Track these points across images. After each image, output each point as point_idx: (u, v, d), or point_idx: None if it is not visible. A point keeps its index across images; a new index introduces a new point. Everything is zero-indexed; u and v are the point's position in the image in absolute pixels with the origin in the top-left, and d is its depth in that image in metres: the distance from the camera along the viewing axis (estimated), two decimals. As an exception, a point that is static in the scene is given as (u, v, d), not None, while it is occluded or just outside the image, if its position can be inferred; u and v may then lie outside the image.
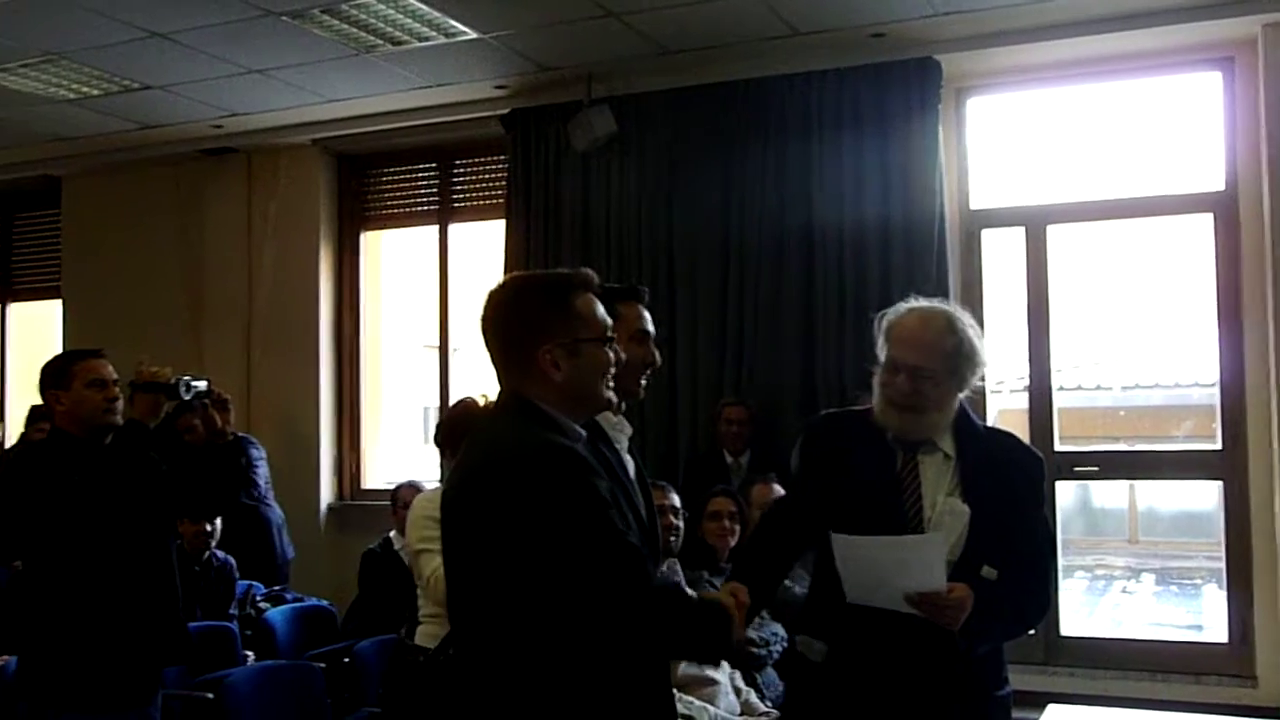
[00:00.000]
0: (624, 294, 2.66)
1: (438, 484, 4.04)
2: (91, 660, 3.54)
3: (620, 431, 2.51)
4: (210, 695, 4.27)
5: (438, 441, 4.12)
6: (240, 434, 6.83)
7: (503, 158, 6.96)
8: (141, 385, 3.68)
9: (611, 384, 2.24)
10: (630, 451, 2.53)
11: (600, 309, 2.25)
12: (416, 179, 7.65)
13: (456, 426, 3.98)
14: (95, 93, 6.63)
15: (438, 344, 7.49)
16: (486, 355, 2.27)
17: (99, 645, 3.55)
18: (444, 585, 3.72)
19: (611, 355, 2.24)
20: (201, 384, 3.81)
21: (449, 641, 3.17)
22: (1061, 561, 6.08)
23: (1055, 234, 6.11)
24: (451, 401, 5.25)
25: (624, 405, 2.54)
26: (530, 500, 2.02)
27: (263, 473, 6.86)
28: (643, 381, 2.60)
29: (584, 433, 2.23)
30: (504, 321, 2.23)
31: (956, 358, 2.68)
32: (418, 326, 8.15)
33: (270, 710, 4.29)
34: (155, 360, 3.79)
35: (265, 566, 6.50)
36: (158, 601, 3.71)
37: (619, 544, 2.05)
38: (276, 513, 6.87)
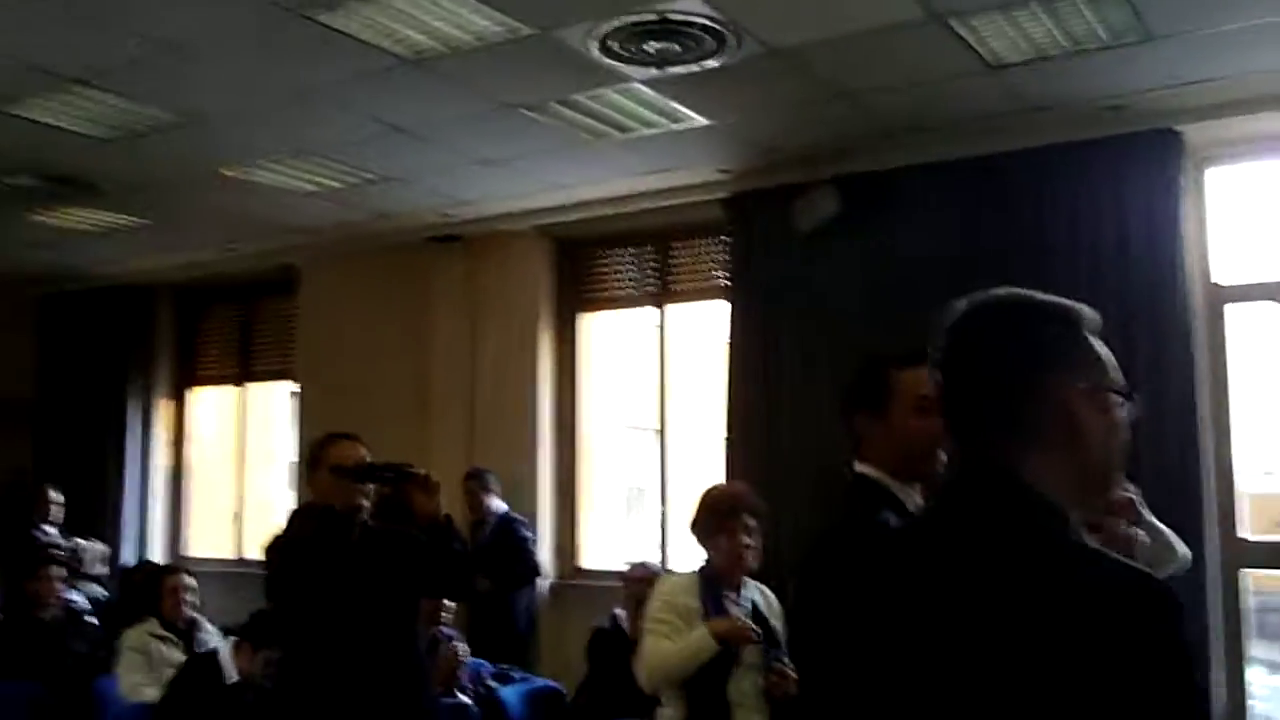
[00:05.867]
0: (908, 359, 2.27)
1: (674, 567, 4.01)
2: None
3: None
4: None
5: (694, 526, 4.03)
6: (516, 515, 7.05)
7: (721, 239, 7.00)
8: (331, 469, 3.82)
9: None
10: None
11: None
12: (634, 261, 7.74)
13: (717, 510, 3.93)
14: (335, 185, 6.94)
15: (657, 425, 7.50)
16: (958, 406, 1.64)
17: None
18: (653, 662, 3.66)
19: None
20: (392, 470, 3.82)
21: None
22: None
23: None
24: (689, 485, 5.22)
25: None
26: None
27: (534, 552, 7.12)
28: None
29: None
30: (999, 348, 1.62)
31: None
32: (630, 407, 8.20)
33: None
34: (355, 446, 3.89)
35: (508, 642, 6.62)
36: (402, 680, 3.78)
37: None
38: (529, 591, 7.07)
